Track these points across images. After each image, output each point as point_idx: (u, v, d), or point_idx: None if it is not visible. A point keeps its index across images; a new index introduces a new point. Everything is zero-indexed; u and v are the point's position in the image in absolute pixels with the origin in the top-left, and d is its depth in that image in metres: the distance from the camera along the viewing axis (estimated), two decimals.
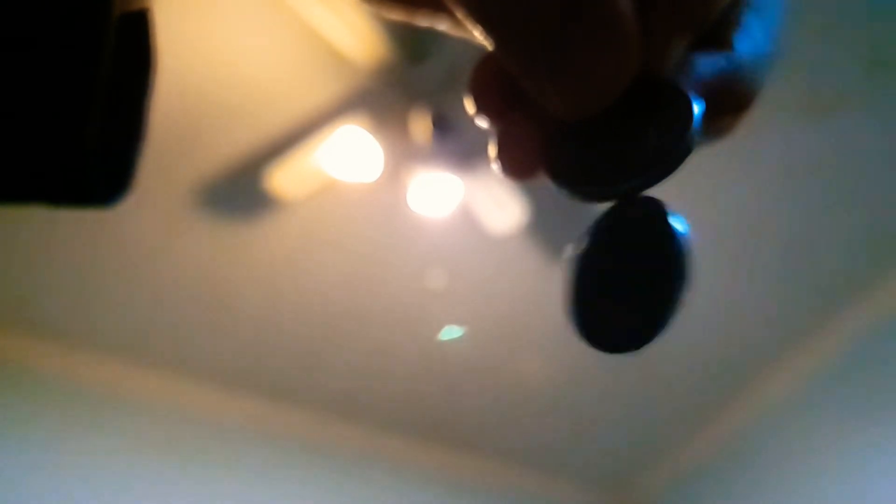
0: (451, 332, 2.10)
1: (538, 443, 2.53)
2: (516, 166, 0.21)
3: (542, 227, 1.74)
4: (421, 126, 1.60)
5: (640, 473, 2.70)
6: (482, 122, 0.21)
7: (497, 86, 0.21)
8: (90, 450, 1.98)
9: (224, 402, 2.24)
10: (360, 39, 1.43)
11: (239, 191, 1.75)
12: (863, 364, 2.18)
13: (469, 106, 0.21)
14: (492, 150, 0.21)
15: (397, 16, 0.23)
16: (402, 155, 1.64)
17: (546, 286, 1.99)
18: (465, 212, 1.71)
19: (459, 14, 0.18)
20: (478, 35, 0.18)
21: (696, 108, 0.18)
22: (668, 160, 0.19)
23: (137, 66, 0.25)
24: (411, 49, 1.49)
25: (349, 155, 1.58)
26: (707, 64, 0.20)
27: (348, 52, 1.47)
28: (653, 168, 0.19)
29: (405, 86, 1.58)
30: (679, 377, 2.33)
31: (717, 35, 0.20)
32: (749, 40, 0.20)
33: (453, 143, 1.60)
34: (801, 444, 2.26)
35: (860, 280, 2.11)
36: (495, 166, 0.21)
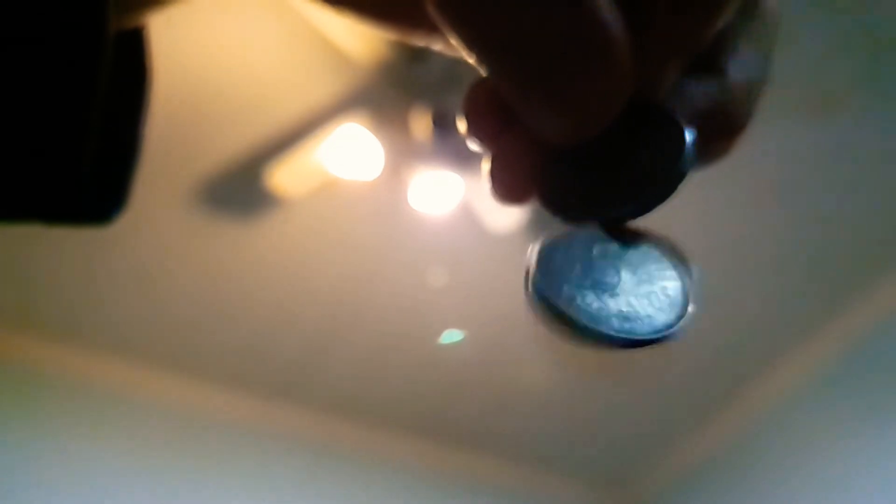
0: (450, 337, 2.10)
1: (538, 440, 2.54)
2: (509, 190, 0.21)
3: (542, 226, 1.74)
4: (422, 124, 1.60)
5: (639, 472, 2.70)
6: (475, 145, 0.21)
7: (491, 108, 0.21)
8: (92, 448, 1.99)
9: (225, 400, 2.24)
10: (360, 37, 1.43)
11: (239, 189, 1.75)
12: (862, 364, 2.18)
13: (462, 127, 0.21)
14: (485, 172, 0.21)
15: (393, 35, 0.23)
16: (403, 153, 1.64)
17: None
18: (466, 210, 1.71)
19: (453, 40, 0.18)
20: (471, 60, 0.18)
21: (689, 136, 0.18)
22: (661, 188, 0.19)
23: (133, 84, 0.25)
24: (412, 47, 1.49)
25: (350, 153, 1.58)
26: (700, 89, 0.20)
27: (349, 49, 1.47)
28: (645, 195, 0.19)
29: (406, 84, 1.57)
30: (679, 376, 2.33)
31: (710, 60, 0.20)
32: (741, 65, 0.20)
33: (454, 141, 1.60)
34: (802, 443, 2.26)
35: (861, 279, 2.11)
36: (489, 189, 0.21)
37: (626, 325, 0.18)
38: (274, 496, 2.19)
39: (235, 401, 2.25)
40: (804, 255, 2.01)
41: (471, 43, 0.17)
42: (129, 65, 0.25)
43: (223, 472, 2.15)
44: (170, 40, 1.46)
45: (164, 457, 2.07)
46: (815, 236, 1.97)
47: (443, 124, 1.60)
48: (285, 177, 1.61)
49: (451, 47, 0.21)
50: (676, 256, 0.20)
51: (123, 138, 0.25)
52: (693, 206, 1.74)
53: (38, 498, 1.84)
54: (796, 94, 1.61)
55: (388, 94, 1.59)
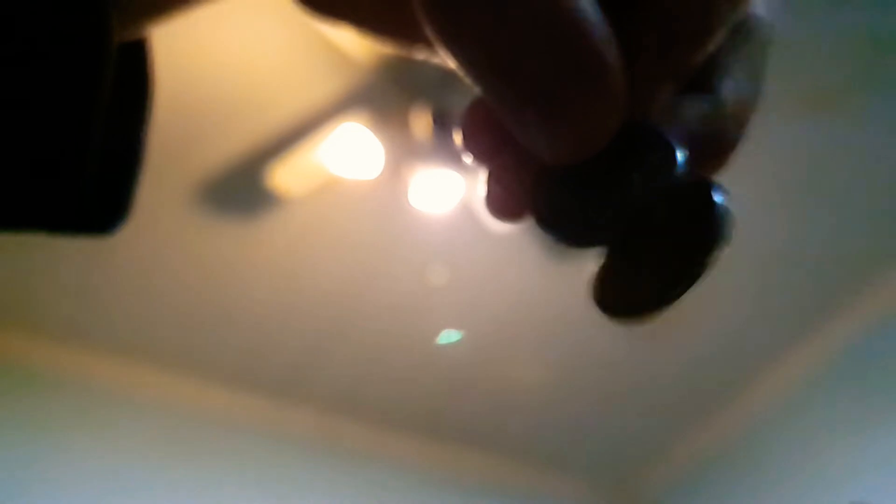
0: (448, 336, 2.10)
1: (539, 439, 2.54)
2: (504, 207, 0.21)
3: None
4: (422, 123, 1.60)
5: (640, 470, 2.70)
6: (471, 162, 0.21)
7: (488, 127, 0.21)
8: (92, 448, 1.99)
9: (226, 400, 2.25)
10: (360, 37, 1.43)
11: (240, 188, 1.75)
12: (862, 364, 2.19)
13: (460, 144, 0.21)
14: (482, 190, 0.21)
15: (393, 49, 0.23)
16: (404, 152, 1.64)
17: (547, 283, 2.00)
18: (467, 208, 1.71)
19: (449, 61, 0.18)
20: (467, 80, 0.18)
21: (680, 156, 0.19)
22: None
23: (136, 95, 0.25)
24: None
25: (350, 152, 1.58)
26: (691, 109, 0.20)
27: (349, 48, 1.47)
28: (637, 217, 0.19)
29: (406, 82, 1.58)
30: (679, 375, 2.33)
31: (701, 79, 0.20)
32: (733, 85, 0.20)
33: (454, 140, 1.60)
34: (802, 442, 2.26)
35: (860, 279, 2.11)
36: (485, 207, 0.21)
37: None
38: (274, 495, 2.19)
39: (235, 400, 2.26)
40: (804, 253, 2.01)
41: (466, 64, 0.18)
42: (132, 77, 0.25)
43: (223, 471, 2.16)
44: (170, 40, 1.45)
45: (164, 456, 2.07)
46: (815, 235, 1.97)
47: (443, 123, 1.60)
48: (286, 176, 1.61)
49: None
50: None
51: (125, 150, 0.25)
52: None
53: (38, 498, 1.85)
54: (796, 94, 1.61)
55: (388, 93, 1.59)
